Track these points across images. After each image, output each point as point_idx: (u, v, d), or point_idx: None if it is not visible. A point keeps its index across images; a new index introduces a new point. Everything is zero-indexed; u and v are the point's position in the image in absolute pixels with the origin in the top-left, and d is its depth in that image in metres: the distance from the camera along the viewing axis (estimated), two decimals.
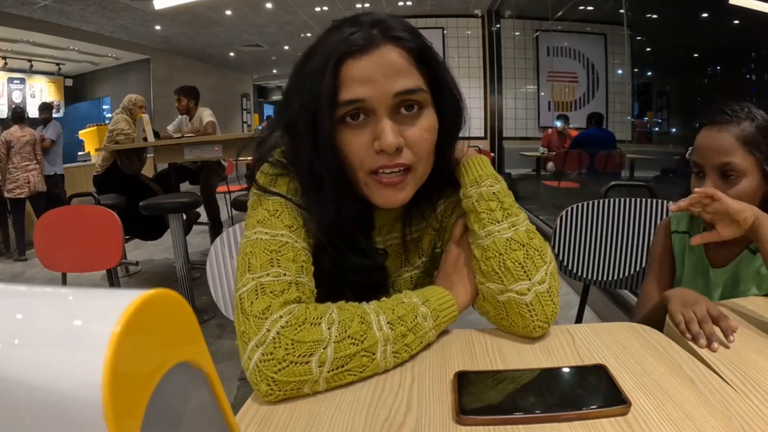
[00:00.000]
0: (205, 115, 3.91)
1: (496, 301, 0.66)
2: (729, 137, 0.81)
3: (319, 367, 0.54)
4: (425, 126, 0.63)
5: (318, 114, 0.60)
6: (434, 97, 0.65)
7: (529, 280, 0.64)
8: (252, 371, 0.54)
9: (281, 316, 0.56)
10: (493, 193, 0.68)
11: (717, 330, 0.65)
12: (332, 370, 0.55)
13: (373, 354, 0.57)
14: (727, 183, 0.81)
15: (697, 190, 0.76)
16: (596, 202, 1.34)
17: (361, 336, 0.57)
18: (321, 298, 0.64)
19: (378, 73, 0.59)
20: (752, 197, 0.81)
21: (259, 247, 0.62)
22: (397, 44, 0.60)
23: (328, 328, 0.56)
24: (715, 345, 0.62)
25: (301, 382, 0.54)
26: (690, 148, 0.87)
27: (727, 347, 0.63)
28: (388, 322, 0.59)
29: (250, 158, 0.74)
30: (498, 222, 0.67)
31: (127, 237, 3.46)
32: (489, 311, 0.68)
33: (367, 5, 6.49)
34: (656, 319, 0.72)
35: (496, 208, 0.67)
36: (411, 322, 0.60)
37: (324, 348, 0.55)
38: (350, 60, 0.59)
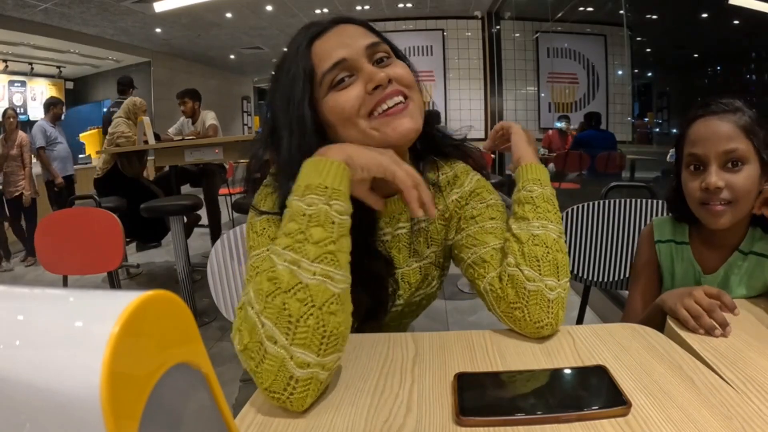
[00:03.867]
0: (209, 117, 3.91)
1: (523, 288, 0.67)
2: (730, 125, 0.81)
3: (279, 345, 0.52)
4: (402, 67, 0.71)
5: (303, 84, 0.66)
6: None
7: (559, 281, 0.68)
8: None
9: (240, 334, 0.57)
10: (551, 199, 0.75)
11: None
12: (290, 335, 0.52)
13: (300, 283, 0.53)
14: (731, 172, 0.81)
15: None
16: (597, 203, 1.34)
17: (275, 284, 0.54)
18: None
19: (345, 38, 0.68)
20: (755, 186, 0.81)
21: (250, 272, 0.64)
22: (350, 23, 0.72)
23: (252, 309, 0.55)
24: (730, 329, 0.66)
25: (281, 369, 0.52)
26: (671, 152, 0.86)
27: (729, 334, 0.65)
28: (284, 248, 0.55)
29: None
30: (552, 222, 0.72)
31: (128, 240, 3.46)
32: (508, 295, 0.68)
33: (367, 7, 6.50)
34: (652, 325, 0.72)
35: (552, 210, 0.74)
36: (303, 224, 0.56)
37: (263, 327, 0.53)
38: (318, 40, 0.69)
